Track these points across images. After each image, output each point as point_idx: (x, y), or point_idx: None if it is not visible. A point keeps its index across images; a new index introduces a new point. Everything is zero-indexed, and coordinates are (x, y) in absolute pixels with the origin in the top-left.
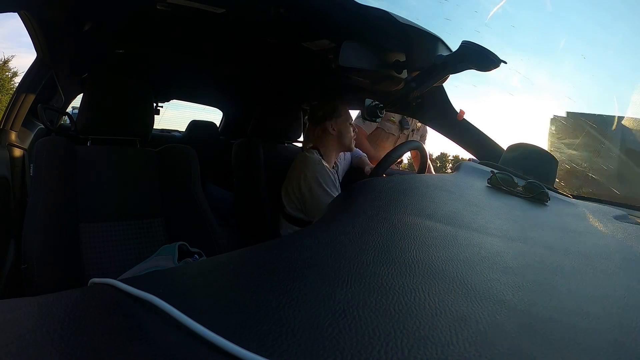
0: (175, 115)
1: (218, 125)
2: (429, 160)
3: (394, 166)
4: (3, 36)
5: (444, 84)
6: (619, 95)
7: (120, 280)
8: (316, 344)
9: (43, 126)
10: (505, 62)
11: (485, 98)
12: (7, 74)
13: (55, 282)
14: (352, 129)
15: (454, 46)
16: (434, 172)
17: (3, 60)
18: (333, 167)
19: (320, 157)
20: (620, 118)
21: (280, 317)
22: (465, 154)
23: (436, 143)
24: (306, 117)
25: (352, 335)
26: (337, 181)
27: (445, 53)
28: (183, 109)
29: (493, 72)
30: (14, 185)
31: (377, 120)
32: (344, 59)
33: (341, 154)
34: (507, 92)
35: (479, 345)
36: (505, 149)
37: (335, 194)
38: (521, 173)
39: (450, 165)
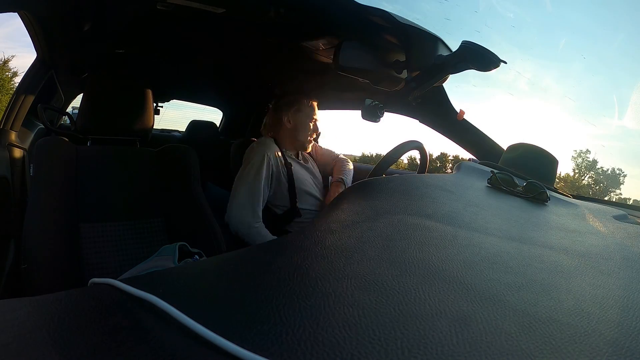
0: (175, 115)
1: (218, 125)
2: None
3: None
4: (4, 36)
5: (444, 84)
6: (619, 95)
7: (120, 280)
8: (316, 344)
9: (43, 126)
10: (505, 62)
11: (485, 98)
12: (7, 74)
13: (55, 282)
14: (311, 128)
15: (454, 46)
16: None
17: (3, 60)
18: (302, 162)
19: (274, 147)
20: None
21: (280, 317)
22: (465, 154)
23: (436, 143)
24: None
25: (352, 335)
26: (284, 176)
27: (445, 53)
28: (183, 109)
29: (494, 72)
30: (14, 185)
31: (377, 120)
32: (344, 59)
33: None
34: (508, 92)
35: (479, 346)
36: (505, 149)
37: (260, 183)
38: (521, 173)
39: (450, 165)
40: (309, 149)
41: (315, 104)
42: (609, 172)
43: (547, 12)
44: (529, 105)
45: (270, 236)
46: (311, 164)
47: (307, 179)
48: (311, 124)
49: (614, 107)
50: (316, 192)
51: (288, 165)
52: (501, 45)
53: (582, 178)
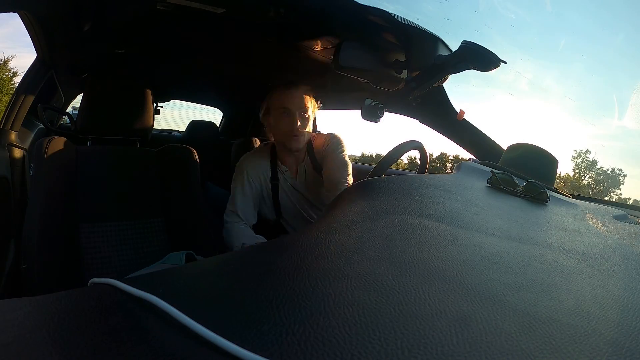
0: (175, 115)
1: (218, 125)
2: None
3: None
4: (4, 36)
5: (444, 84)
6: (618, 96)
7: (120, 280)
8: (316, 344)
9: (43, 126)
10: (505, 62)
11: (485, 98)
12: (7, 74)
13: (55, 282)
14: (287, 121)
15: (454, 46)
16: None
17: (3, 60)
18: (296, 174)
19: (255, 165)
20: None
21: (280, 317)
22: (465, 154)
23: (436, 143)
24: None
25: (352, 335)
26: (267, 192)
27: (445, 53)
28: (183, 109)
29: (494, 72)
30: (14, 185)
31: (377, 120)
32: (344, 59)
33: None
34: (508, 92)
35: (479, 346)
36: (505, 149)
37: (240, 206)
38: (521, 173)
39: (450, 165)
40: (298, 146)
41: (292, 92)
42: (609, 172)
43: (547, 12)
44: (529, 106)
45: (237, 236)
46: (308, 182)
47: (292, 203)
48: (282, 121)
49: (614, 107)
50: (305, 215)
51: (274, 182)
52: (502, 45)
53: (582, 178)
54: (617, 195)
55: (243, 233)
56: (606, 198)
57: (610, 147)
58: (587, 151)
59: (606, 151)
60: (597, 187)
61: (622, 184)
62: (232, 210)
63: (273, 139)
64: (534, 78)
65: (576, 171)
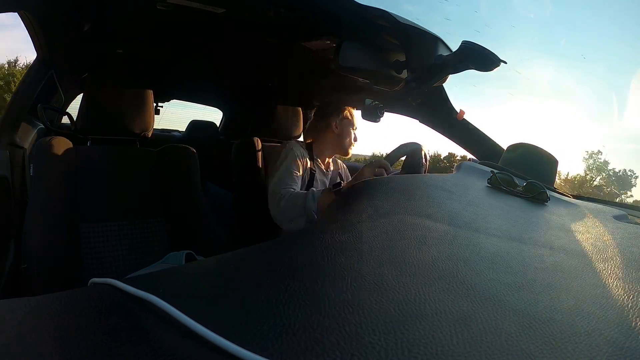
0: (175, 115)
1: (218, 125)
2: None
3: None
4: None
5: (444, 84)
6: (618, 96)
7: (120, 280)
8: (316, 344)
9: (43, 126)
10: (505, 62)
11: (486, 98)
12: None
13: (55, 282)
14: (353, 136)
15: (454, 46)
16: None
17: (14, 61)
18: (327, 169)
19: (303, 152)
20: None
21: (280, 317)
22: (466, 154)
23: (443, 143)
24: (313, 112)
25: (352, 335)
26: (305, 180)
27: (445, 53)
28: (183, 109)
29: (495, 72)
30: (14, 185)
31: (377, 120)
32: (344, 59)
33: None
34: (508, 92)
35: (479, 346)
36: (505, 148)
37: (295, 183)
38: (521, 173)
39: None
40: (350, 154)
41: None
42: (620, 173)
43: (547, 12)
44: (529, 106)
45: (298, 195)
46: (334, 178)
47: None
48: (353, 132)
49: (618, 108)
50: None
51: (312, 172)
52: (502, 45)
53: (594, 179)
54: (628, 197)
55: (302, 192)
56: (617, 200)
57: (621, 149)
58: (599, 152)
59: (616, 153)
60: (608, 188)
61: (634, 185)
62: (285, 187)
63: (312, 139)
64: (534, 78)
65: (587, 172)
